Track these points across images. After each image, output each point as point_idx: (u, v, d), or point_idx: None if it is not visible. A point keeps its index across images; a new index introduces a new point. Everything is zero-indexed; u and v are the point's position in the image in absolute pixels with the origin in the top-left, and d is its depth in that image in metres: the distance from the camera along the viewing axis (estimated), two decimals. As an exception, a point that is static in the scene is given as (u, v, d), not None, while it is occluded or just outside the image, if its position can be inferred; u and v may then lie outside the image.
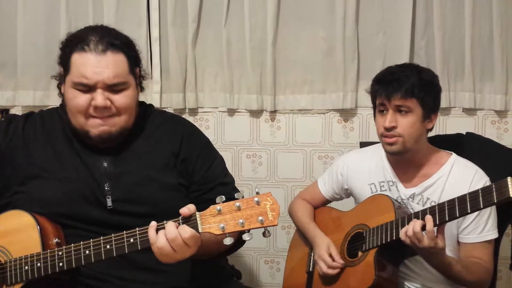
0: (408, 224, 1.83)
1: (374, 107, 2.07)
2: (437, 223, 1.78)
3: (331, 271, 2.06)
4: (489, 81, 2.70)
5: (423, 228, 1.78)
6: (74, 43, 1.73)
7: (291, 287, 2.32)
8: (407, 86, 1.93)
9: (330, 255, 2.08)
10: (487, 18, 2.65)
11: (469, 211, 1.74)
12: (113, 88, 1.70)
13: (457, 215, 1.76)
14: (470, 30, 2.64)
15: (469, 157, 2.09)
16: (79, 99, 1.70)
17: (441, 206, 1.79)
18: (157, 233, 1.47)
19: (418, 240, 1.77)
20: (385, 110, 1.98)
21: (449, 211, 1.76)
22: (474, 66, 2.68)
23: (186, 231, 1.44)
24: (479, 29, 2.67)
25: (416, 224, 1.78)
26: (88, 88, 1.69)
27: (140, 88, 1.87)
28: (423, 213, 1.83)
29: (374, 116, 2.08)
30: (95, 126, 1.71)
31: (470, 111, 2.74)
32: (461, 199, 1.74)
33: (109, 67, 1.68)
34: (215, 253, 1.80)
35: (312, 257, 2.23)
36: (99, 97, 1.67)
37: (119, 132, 1.74)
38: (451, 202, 1.77)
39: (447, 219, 1.77)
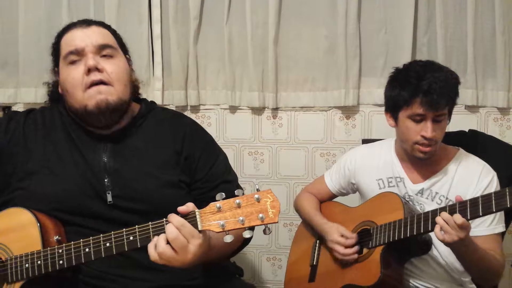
0: (419, 223, 1.84)
1: (396, 110, 2.01)
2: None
3: (348, 251, 2.05)
4: (491, 78, 2.69)
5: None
6: (61, 32, 1.81)
7: (294, 280, 2.32)
8: (448, 91, 1.91)
9: (343, 236, 2.08)
10: (489, 14, 2.64)
11: (480, 214, 1.73)
12: (102, 52, 1.74)
13: (468, 218, 1.75)
14: (473, 27, 2.64)
15: (472, 154, 2.09)
16: (74, 73, 1.73)
17: (452, 207, 1.78)
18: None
19: (451, 234, 1.75)
20: (423, 119, 1.94)
21: (460, 213, 1.75)
22: (476, 63, 2.67)
23: (185, 225, 1.42)
24: (481, 26, 2.66)
25: (443, 215, 1.76)
26: (79, 58, 1.73)
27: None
28: (433, 213, 1.82)
29: (395, 119, 2.03)
30: (92, 97, 1.71)
31: (472, 108, 2.73)
32: (473, 201, 1.74)
33: (95, 33, 1.76)
34: (226, 254, 1.81)
35: (316, 251, 2.23)
36: (90, 59, 1.71)
37: (117, 103, 1.73)
38: (462, 204, 1.76)
39: None
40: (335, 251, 2.10)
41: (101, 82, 1.72)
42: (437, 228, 1.78)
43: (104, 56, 1.75)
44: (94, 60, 1.71)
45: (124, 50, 1.86)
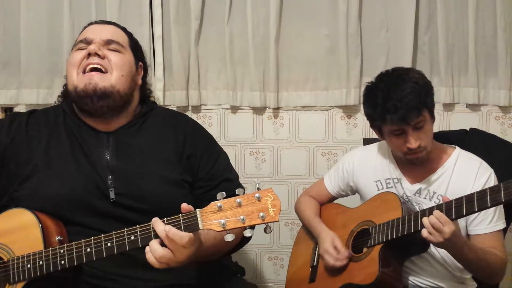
0: (416, 221, 1.86)
1: (381, 131, 2.03)
2: None
3: (338, 263, 2.06)
4: (493, 77, 2.69)
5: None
6: (83, 28, 1.89)
7: (295, 280, 2.33)
8: (417, 103, 1.90)
9: (335, 248, 2.09)
10: (490, 13, 2.64)
11: (476, 210, 1.74)
12: (109, 46, 1.80)
13: (464, 214, 1.76)
14: (474, 25, 2.63)
15: (473, 153, 2.09)
16: (76, 55, 1.79)
17: (448, 204, 1.79)
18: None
19: (439, 230, 1.76)
20: (403, 132, 1.95)
21: (456, 209, 1.77)
22: (477, 61, 2.67)
23: (176, 234, 1.43)
24: (482, 24, 2.66)
25: (430, 217, 1.78)
26: (86, 46, 1.79)
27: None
28: (430, 210, 1.82)
29: (381, 135, 2.06)
30: (83, 81, 1.74)
31: (474, 107, 2.73)
32: (469, 197, 1.75)
33: (109, 30, 1.85)
34: (222, 252, 1.80)
35: (316, 252, 2.24)
36: (93, 45, 1.78)
37: (106, 89, 1.74)
38: (458, 200, 1.77)
39: (453, 217, 1.78)
40: (325, 261, 2.11)
41: (97, 69, 1.75)
42: (424, 230, 1.81)
43: (111, 50, 1.80)
44: (97, 47, 1.76)
45: (138, 56, 1.90)
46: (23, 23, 2.89)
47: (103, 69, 1.75)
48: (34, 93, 2.93)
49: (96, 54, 1.76)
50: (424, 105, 1.92)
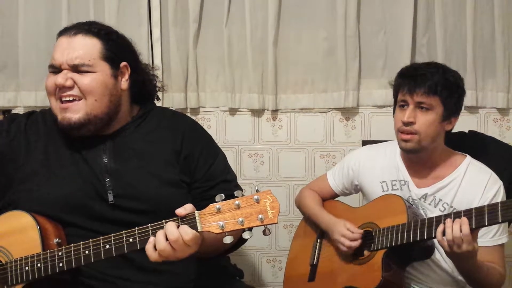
0: (423, 229, 1.84)
1: (395, 102, 2.06)
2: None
3: (354, 243, 2.04)
4: (491, 79, 2.69)
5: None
6: (58, 34, 1.81)
7: (293, 277, 2.31)
8: (430, 82, 1.92)
9: (349, 230, 2.07)
10: (489, 15, 2.64)
11: (486, 224, 1.74)
12: (77, 69, 1.72)
13: (473, 226, 1.74)
14: (472, 28, 2.64)
15: (472, 155, 2.08)
16: (49, 80, 1.75)
17: (457, 215, 1.78)
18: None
19: (458, 246, 1.75)
20: (406, 105, 1.97)
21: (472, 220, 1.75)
22: (476, 63, 2.67)
23: (187, 232, 1.43)
24: (480, 26, 2.66)
25: (455, 228, 1.74)
26: (58, 70, 1.73)
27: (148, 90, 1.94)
28: (437, 219, 1.81)
29: (394, 111, 2.07)
30: (60, 111, 1.74)
31: (472, 109, 2.73)
32: (479, 210, 1.73)
33: (75, 49, 1.73)
34: (219, 250, 1.80)
35: (317, 250, 2.23)
36: (60, 76, 1.71)
37: (83, 120, 1.72)
38: (468, 212, 1.76)
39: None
40: (340, 244, 2.08)
41: (70, 100, 1.72)
42: (438, 233, 1.79)
43: (80, 72, 1.73)
44: (62, 79, 1.70)
45: (116, 61, 1.79)
46: (21, 25, 2.90)
47: (75, 97, 1.72)
48: (33, 95, 2.93)
49: (64, 87, 1.71)
50: (438, 91, 1.93)
